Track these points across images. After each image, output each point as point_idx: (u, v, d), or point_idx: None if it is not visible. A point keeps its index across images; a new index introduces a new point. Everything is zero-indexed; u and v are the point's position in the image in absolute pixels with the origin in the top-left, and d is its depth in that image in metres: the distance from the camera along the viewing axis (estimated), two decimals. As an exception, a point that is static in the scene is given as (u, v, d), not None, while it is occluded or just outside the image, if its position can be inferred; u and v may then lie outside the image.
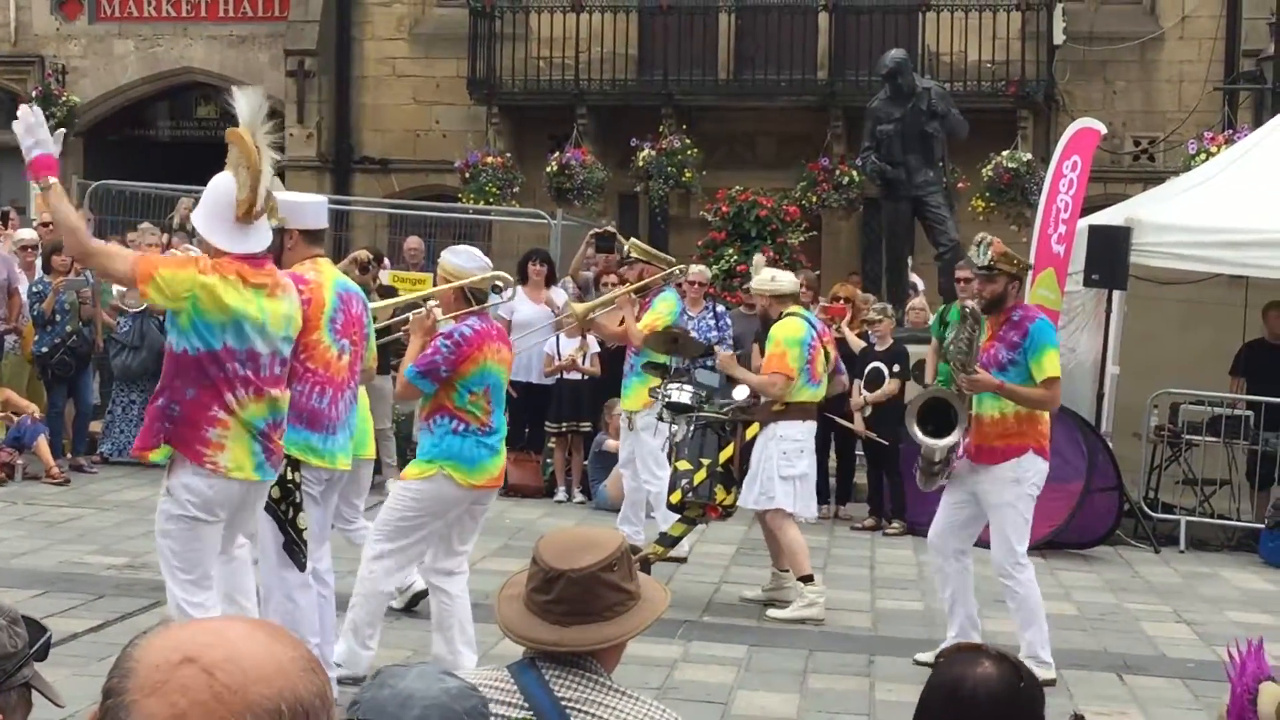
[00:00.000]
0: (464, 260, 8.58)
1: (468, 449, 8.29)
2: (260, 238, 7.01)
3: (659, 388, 11.59)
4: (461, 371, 8.24)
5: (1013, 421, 9.51)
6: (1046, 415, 9.68)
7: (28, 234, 17.13)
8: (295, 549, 7.78)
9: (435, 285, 15.90)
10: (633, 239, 14.05)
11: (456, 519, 8.47)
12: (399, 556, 8.41)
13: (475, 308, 8.46)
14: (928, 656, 9.59)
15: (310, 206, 8.26)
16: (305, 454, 7.83)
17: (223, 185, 6.93)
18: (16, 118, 6.94)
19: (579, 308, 14.04)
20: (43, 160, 6.86)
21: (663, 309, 12.57)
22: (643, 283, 12.98)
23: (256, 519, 7.48)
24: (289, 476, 7.72)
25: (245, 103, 6.95)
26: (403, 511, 8.37)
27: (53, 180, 6.87)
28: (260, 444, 6.98)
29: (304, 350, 7.67)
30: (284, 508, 7.74)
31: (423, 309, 8.60)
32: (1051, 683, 9.08)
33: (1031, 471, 9.54)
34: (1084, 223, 15.58)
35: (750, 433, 11.02)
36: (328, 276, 7.98)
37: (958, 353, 9.60)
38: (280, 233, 7.86)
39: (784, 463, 10.91)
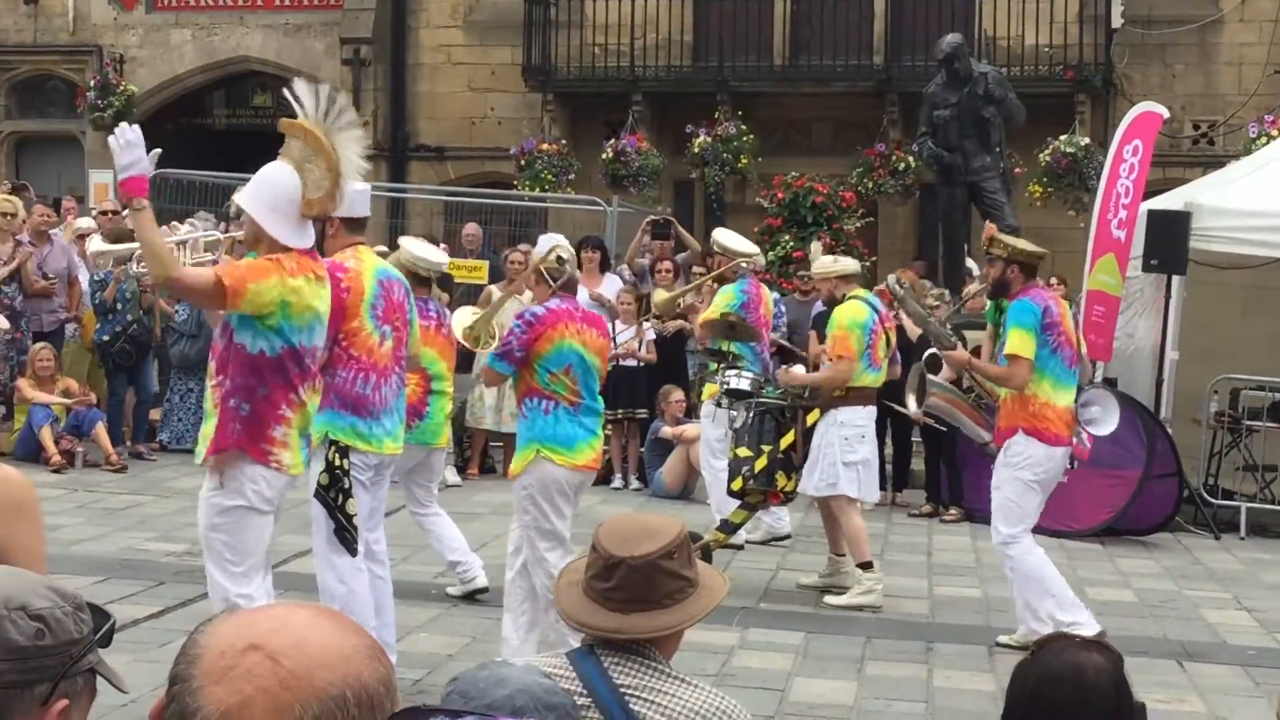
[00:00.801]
0: (539, 245, 8.75)
1: (562, 428, 8.35)
2: (312, 234, 7.10)
3: (717, 374, 11.62)
4: (537, 350, 8.30)
5: (1009, 402, 9.67)
6: (1045, 398, 9.61)
7: (86, 223, 17.23)
8: (346, 534, 7.81)
9: (489, 273, 16.12)
10: (718, 229, 14.02)
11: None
12: (559, 549, 8.38)
13: (553, 287, 8.53)
14: (1010, 640, 9.63)
15: (354, 194, 8.24)
16: (353, 439, 7.87)
17: (287, 180, 6.90)
18: (113, 133, 6.92)
19: (662, 297, 14.19)
20: (135, 182, 6.80)
21: (720, 301, 12.55)
22: (718, 271, 13.03)
23: None
24: (337, 463, 7.76)
25: (308, 97, 6.96)
26: (531, 512, 8.40)
27: (144, 203, 6.84)
28: (305, 437, 7.08)
29: (346, 338, 7.74)
30: (333, 494, 7.78)
31: (513, 303, 8.77)
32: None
33: (1022, 455, 9.57)
34: (1143, 207, 15.47)
35: (811, 419, 11.01)
36: (368, 264, 8.00)
37: (925, 329, 9.90)
38: (322, 220, 7.91)
39: (845, 448, 10.90)
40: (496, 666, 2.97)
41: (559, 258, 8.71)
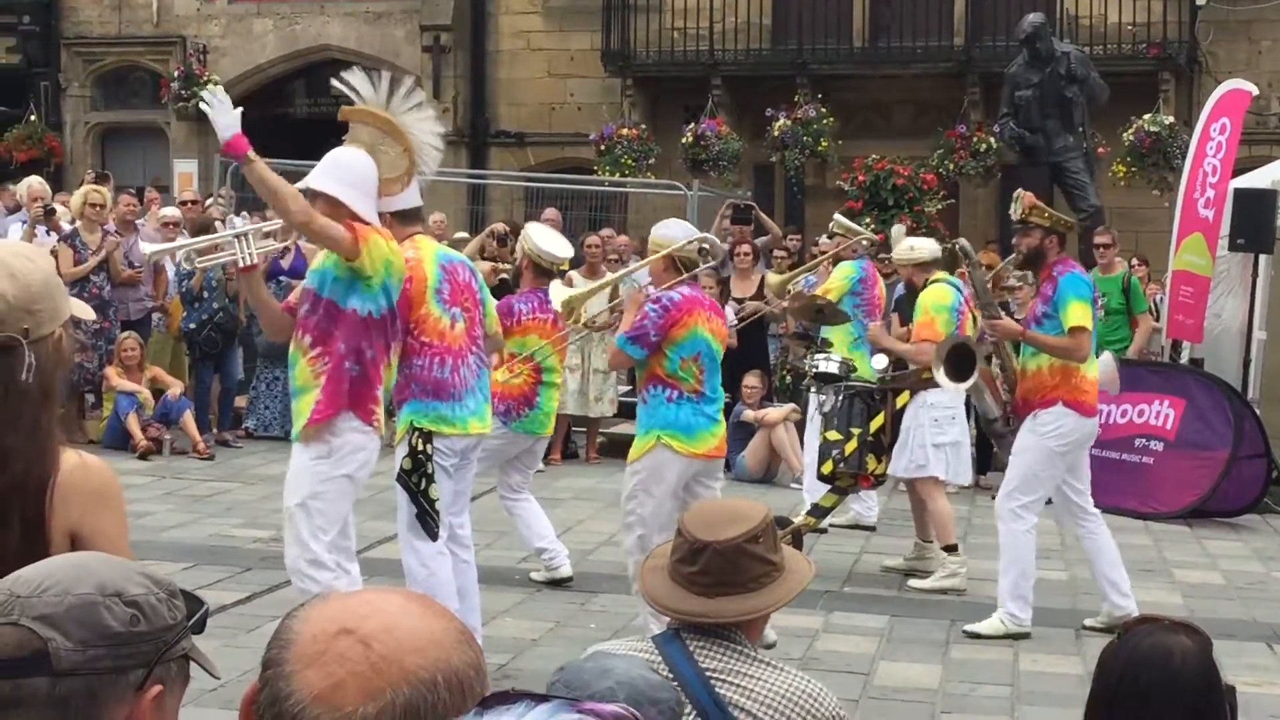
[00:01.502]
0: (674, 230, 8.76)
1: (684, 416, 8.35)
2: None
3: (806, 358, 11.62)
4: (672, 336, 8.32)
5: (1047, 374, 9.57)
6: (1084, 371, 9.58)
7: (171, 212, 17.38)
8: (428, 519, 7.87)
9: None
10: (836, 216, 14.04)
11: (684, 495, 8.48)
12: (647, 538, 8.40)
13: (684, 275, 8.55)
14: (1095, 622, 9.62)
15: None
16: (437, 424, 7.90)
17: (364, 162, 7.09)
18: (203, 99, 7.12)
19: (775, 279, 14.27)
20: (238, 140, 6.97)
21: (838, 275, 12.60)
22: (835, 250, 13.10)
23: None
24: (420, 448, 7.83)
25: (362, 84, 7.09)
26: (638, 497, 8.43)
27: (254, 156, 6.97)
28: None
29: (416, 326, 7.82)
30: (415, 479, 7.85)
31: (637, 284, 8.74)
32: (1025, 635, 9.48)
33: (1054, 425, 9.53)
34: (1229, 186, 15.32)
35: (900, 401, 10.98)
36: (427, 251, 8.04)
37: (977, 298, 9.79)
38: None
39: (935, 430, 10.89)
40: (603, 658, 3.00)
41: (701, 249, 8.76)
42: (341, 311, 7.05)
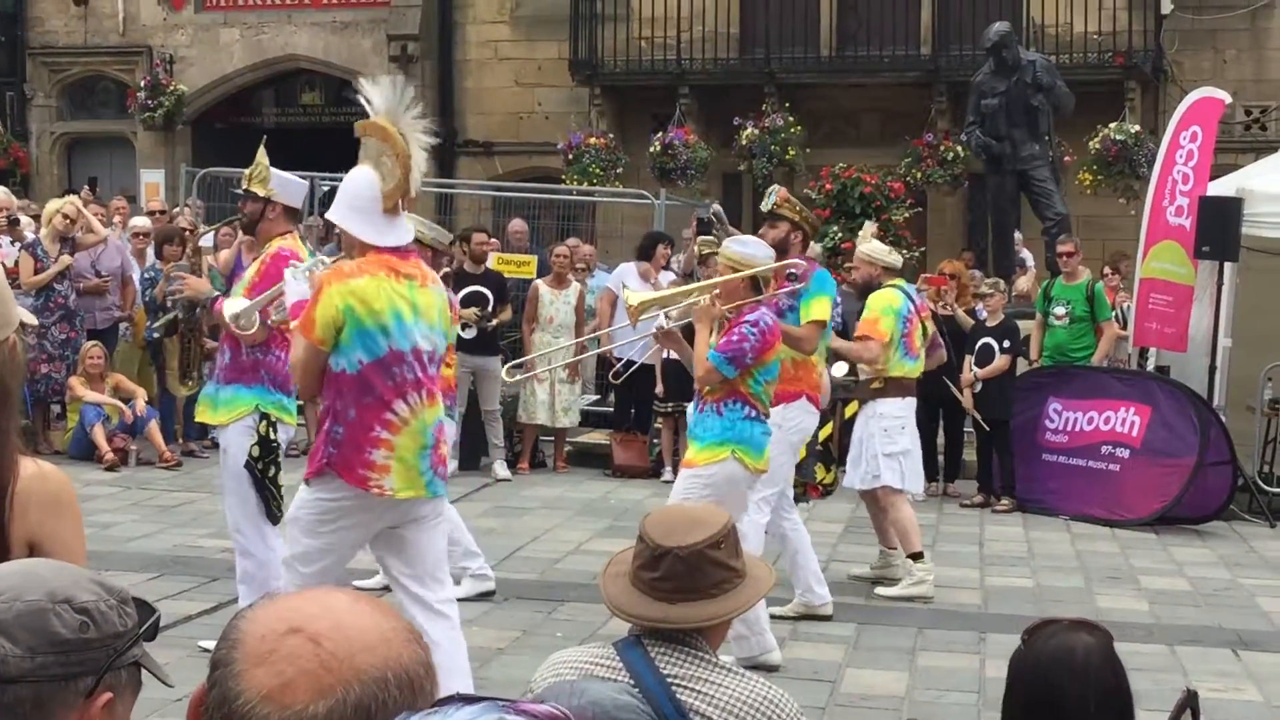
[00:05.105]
0: (753, 249, 8.76)
1: (756, 434, 8.51)
2: (404, 232, 6.80)
3: None
4: (763, 360, 8.46)
5: (789, 369, 9.46)
6: (820, 365, 9.82)
7: (141, 222, 17.35)
8: (271, 504, 8.07)
9: (538, 268, 16.03)
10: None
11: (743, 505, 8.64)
12: None
13: (758, 297, 8.60)
14: (788, 610, 9.88)
15: (297, 186, 8.69)
16: (281, 413, 8.24)
17: (364, 180, 6.70)
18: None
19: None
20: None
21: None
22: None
23: (437, 537, 7.07)
24: (269, 434, 8.11)
25: (378, 94, 6.76)
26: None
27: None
28: (428, 458, 6.74)
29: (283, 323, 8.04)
30: (263, 465, 8.08)
31: (704, 298, 8.68)
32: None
33: (797, 419, 9.66)
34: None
35: (849, 411, 10.99)
36: (302, 253, 8.33)
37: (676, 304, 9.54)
38: (265, 202, 8.31)
39: (885, 440, 10.88)
40: (588, 681, 3.01)
41: (790, 274, 8.80)
42: (329, 370, 6.69)
